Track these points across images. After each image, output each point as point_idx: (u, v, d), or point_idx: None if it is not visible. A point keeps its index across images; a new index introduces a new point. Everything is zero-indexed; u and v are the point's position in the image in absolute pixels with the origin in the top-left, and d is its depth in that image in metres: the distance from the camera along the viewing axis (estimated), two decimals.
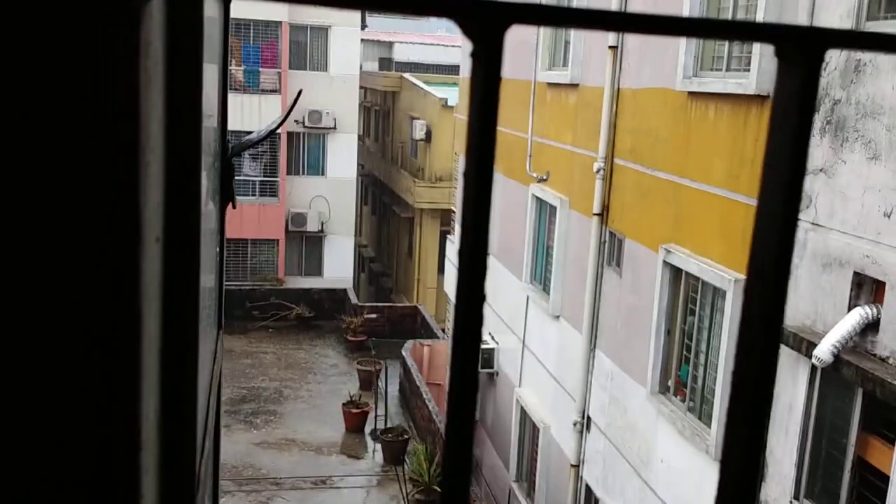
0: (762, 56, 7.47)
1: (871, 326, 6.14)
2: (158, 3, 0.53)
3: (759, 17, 7.52)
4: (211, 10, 1.24)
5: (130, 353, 0.47)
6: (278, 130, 26.02)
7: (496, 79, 0.49)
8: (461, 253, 0.50)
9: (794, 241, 0.54)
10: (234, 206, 1.63)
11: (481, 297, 0.50)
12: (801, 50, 0.51)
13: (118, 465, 0.49)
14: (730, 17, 8.28)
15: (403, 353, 19.81)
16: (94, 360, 0.46)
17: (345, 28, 27.09)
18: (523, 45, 13.71)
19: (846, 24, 6.50)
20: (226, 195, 1.52)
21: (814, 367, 6.61)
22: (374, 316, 23.72)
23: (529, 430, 13.46)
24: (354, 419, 18.12)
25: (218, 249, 1.54)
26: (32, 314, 0.45)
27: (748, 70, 7.80)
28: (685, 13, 8.75)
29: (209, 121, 1.36)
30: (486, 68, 0.47)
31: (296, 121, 26.67)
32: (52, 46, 0.42)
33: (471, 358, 0.51)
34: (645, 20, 0.47)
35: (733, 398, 0.56)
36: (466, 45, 0.48)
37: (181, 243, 0.64)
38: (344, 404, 18.33)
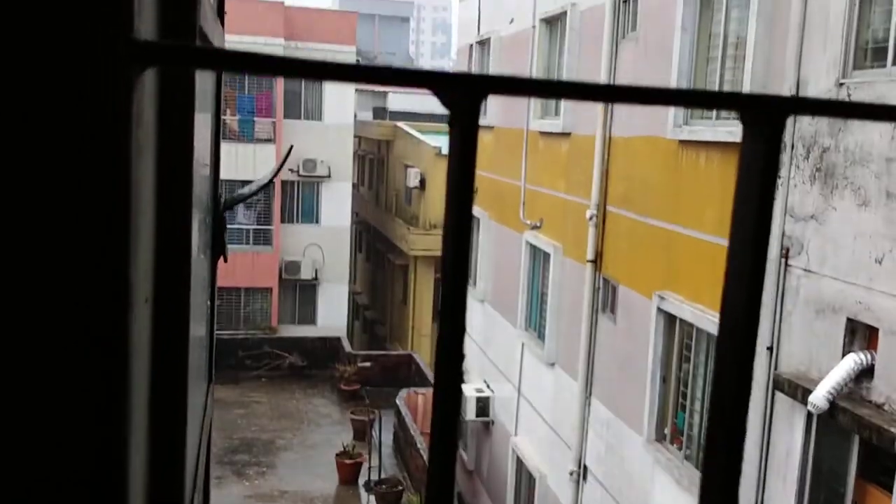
0: None
1: (866, 373, 6.14)
2: (151, 73, 0.55)
3: (748, 66, 7.65)
4: (203, 72, 1.27)
5: (118, 416, 0.48)
6: (272, 179, 26.15)
7: (472, 146, 0.51)
8: (442, 312, 0.51)
9: (761, 302, 0.56)
10: (225, 260, 1.64)
11: (460, 360, 0.52)
12: (764, 117, 0.53)
13: None
14: (718, 64, 8.42)
15: (398, 401, 19.66)
16: (82, 422, 0.47)
17: None
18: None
19: (833, 72, 6.61)
20: (217, 249, 1.53)
21: (810, 414, 6.59)
22: (367, 364, 23.58)
23: (526, 479, 13.31)
24: (348, 470, 17.90)
25: (209, 302, 1.56)
26: (20, 373, 0.47)
27: (738, 119, 7.90)
28: (674, 63, 8.90)
29: (202, 176, 1.38)
30: (461, 136, 0.50)
31: (290, 169, 26.81)
32: (45, 115, 0.44)
33: (452, 401, 0.52)
34: (613, 91, 0.49)
35: (708, 453, 0.57)
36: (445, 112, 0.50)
37: (171, 303, 0.65)
38: (337, 455, 18.12)
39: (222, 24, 1.55)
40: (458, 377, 0.53)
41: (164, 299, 0.65)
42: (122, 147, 0.44)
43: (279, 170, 2.82)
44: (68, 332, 0.45)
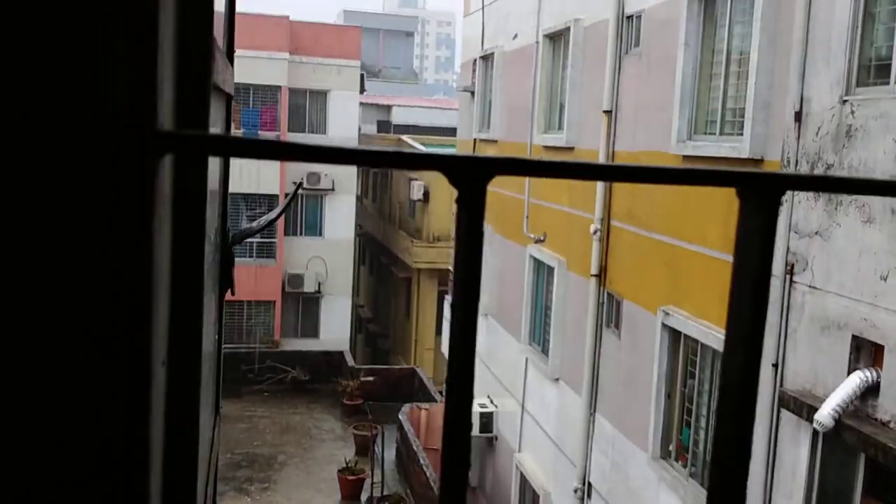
0: (755, 120, 7.60)
1: (872, 390, 6.13)
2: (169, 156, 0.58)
3: (751, 82, 7.67)
4: (214, 111, 1.30)
5: (139, 472, 0.50)
6: (276, 192, 26.23)
7: (479, 222, 0.53)
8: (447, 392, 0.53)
9: (759, 375, 0.57)
10: (233, 294, 1.67)
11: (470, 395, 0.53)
12: (761, 192, 0.55)
13: None
14: (721, 80, 8.45)
15: (400, 416, 19.61)
16: (100, 484, 0.48)
17: (343, 92, 27.51)
18: (520, 109, 13.93)
19: (836, 90, 6.63)
20: (225, 283, 1.55)
21: (815, 432, 6.57)
22: (370, 379, 23.55)
23: (529, 497, 13.27)
24: (350, 486, 17.84)
25: (216, 337, 1.57)
26: (39, 441, 0.48)
27: (741, 134, 7.93)
28: (677, 79, 8.92)
29: (211, 214, 1.41)
30: (469, 216, 0.51)
31: (294, 182, 26.83)
32: (78, 199, 0.46)
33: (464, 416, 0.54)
34: (614, 170, 0.50)
35: (714, 468, 0.59)
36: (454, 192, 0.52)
37: (184, 364, 0.67)
38: (339, 471, 18.07)
39: (232, 62, 1.58)
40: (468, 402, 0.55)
41: (177, 360, 0.67)
42: (145, 226, 0.46)
43: (287, 206, 2.86)
44: (92, 400, 0.47)
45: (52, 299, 0.46)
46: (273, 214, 2.79)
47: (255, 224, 2.62)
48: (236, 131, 26.47)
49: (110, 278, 0.47)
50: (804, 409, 6.56)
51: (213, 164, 1.40)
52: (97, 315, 0.47)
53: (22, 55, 0.44)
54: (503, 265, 14.84)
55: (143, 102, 0.46)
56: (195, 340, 0.73)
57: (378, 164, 0.51)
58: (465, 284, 0.53)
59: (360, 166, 0.51)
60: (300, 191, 27.14)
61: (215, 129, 1.39)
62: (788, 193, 7.15)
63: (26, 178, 0.45)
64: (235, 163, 25.56)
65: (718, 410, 0.60)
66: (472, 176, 0.50)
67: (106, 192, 0.45)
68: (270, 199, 26.42)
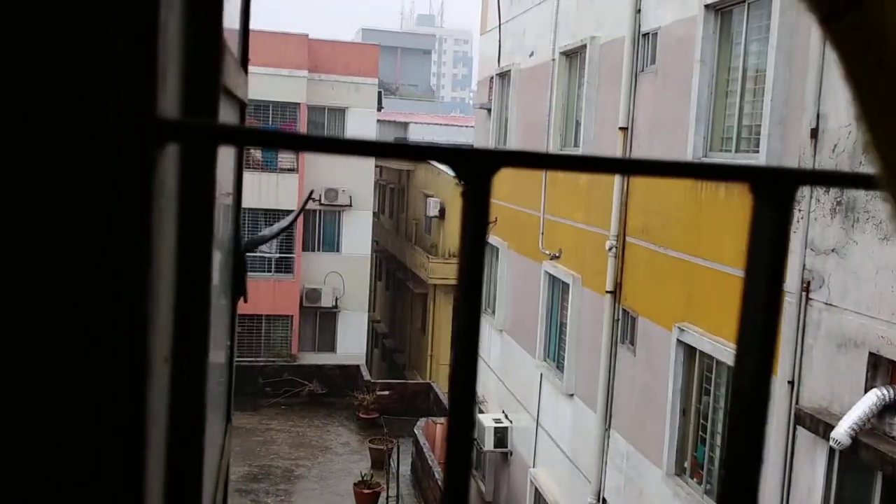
0: (771, 137, 7.57)
1: (889, 408, 6.05)
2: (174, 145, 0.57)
3: (767, 100, 7.64)
4: (227, 117, 1.30)
5: (135, 471, 0.49)
6: (293, 222, 26.32)
7: (485, 215, 0.52)
8: (451, 386, 0.52)
9: (771, 378, 0.56)
10: (245, 301, 1.67)
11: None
12: (774, 188, 0.54)
13: None
14: (737, 97, 8.42)
15: (416, 431, 19.57)
16: (97, 481, 0.48)
17: (361, 109, 27.65)
18: (536, 126, 13.94)
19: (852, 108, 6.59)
20: (238, 290, 1.55)
21: (831, 450, 6.50)
22: (386, 393, 23.53)
23: None
24: (366, 500, 17.80)
25: (229, 343, 1.57)
26: (35, 442, 0.48)
27: (757, 151, 7.90)
28: (693, 96, 8.91)
29: (223, 217, 1.41)
30: (475, 207, 0.51)
31: (312, 199, 27.00)
32: (73, 191, 0.46)
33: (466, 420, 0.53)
34: (621, 163, 0.50)
35: (725, 483, 0.57)
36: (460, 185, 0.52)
37: (190, 360, 0.67)
38: (355, 484, 18.04)
39: (246, 70, 1.59)
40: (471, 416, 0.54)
41: (182, 357, 0.66)
42: (144, 220, 0.46)
43: (299, 213, 2.87)
44: (86, 395, 0.47)
45: (46, 292, 0.45)
46: (286, 222, 2.81)
47: (267, 231, 2.63)
48: (255, 148, 26.60)
49: (107, 271, 0.46)
50: (820, 426, 6.49)
51: (226, 168, 1.40)
52: (93, 309, 0.46)
53: (14, 38, 0.44)
54: (518, 281, 14.81)
55: (142, 89, 0.46)
56: (201, 338, 0.73)
57: (381, 154, 0.50)
58: (468, 278, 0.52)
59: (362, 156, 0.50)
60: (318, 206, 27.26)
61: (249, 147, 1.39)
62: (805, 210, 7.11)
63: (19, 168, 0.44)
64: (255, 178, 25.75)
65: (730, 415, 0.59)
66: (477, 168, 0.50)
67: (103, 181, 0.45)
68: (288, 215, 26.52)
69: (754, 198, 0.54)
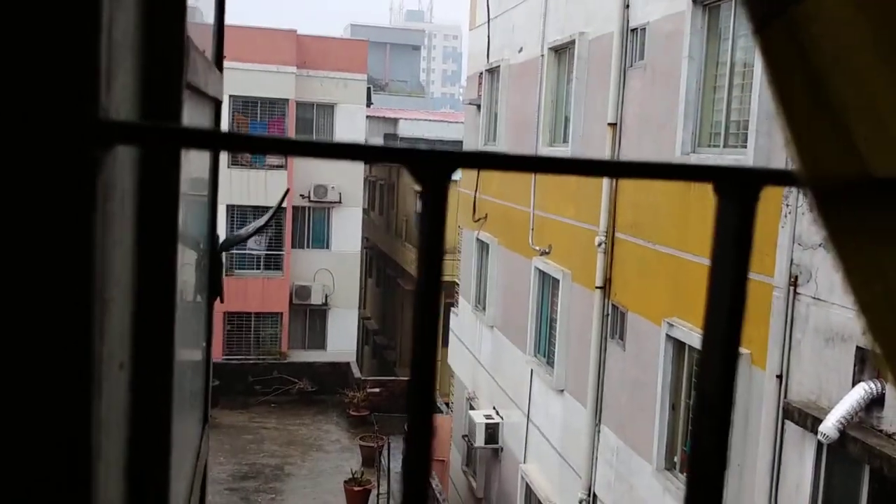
0: (759, 133, 7.58)
1: (877, 402, 6.08)
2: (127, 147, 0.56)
3: (755, 95, 7.66)
4: (201, 117, 1.28)
5: (82, 483, 0.48)
6: (284, 205, 26.27)
7: (442, 215, 0.51)
8: (409, 389, 0.51)
9: (737, 368, 0.55)
10: (221, 301, 1.65)
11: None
12: (739, 188, 0.53)
13: None
14: (725, 92, 8.43)
15: (406, 428, 19.51)
16: (42, 488, 0.47)
17: (350, 105, 27.59)
18: (525, 122, 13.94)
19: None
20: (214, 290, 1.54)
21: (819, 444, 6.52)
22: (377, 390, 23.52)
23: None
24: (357, 497, 17.80)
25: (204, 344, 1.56)
26: None
27: (745, 146, 7.91)
28: (681, 91, 8.92)
29: (197, 217, 1.39)
30: (432, 207, 0.50)
31: (301, 195, 26.96)
32: (8, 193, 0.44)
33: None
34: (582, 164, 0.49)
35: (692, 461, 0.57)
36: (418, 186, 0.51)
37: (151, 366, 0.65)
38: (346, 482, 18.03)
39: (220, 67, 1.57)
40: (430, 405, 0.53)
41: (143, 361, 0.65)
42: (85, 224, 0.44)
43: (275, 212, 2.85)
44: (27, 402, 0.45)
45: None
46: (261, 221, 2.79)
47: (243, 231, 2.62)
48: None
49: (47, 275, 0.45)
50: (808, 420, 6.51)
51: (200, 169, 1.38)
52: (33, 315, 0.45)
53: None
54: (509, 277, 14.82)
55: (82, 89, 0.45)
56: (165, 343, 0.71)
57: (339, 156, 0.49)
58: (427, 278, 0.51)
59: (319, 158, 0.49)
60: (307, 203, 27.20)
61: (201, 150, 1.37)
62: (793, 205, 7.12)
63: None
64: (244, 175, 25.69)
65: (695, 417, 0.58)
66: (434, 169, 0.49)
67: (41, 184, 0.44)
68: (278, 212, 26.43)
69: (719, 198, 0.53)
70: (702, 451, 0.56)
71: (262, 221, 2.68)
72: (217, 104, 1.59)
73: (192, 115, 1.06)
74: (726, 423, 0.53)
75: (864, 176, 0.49)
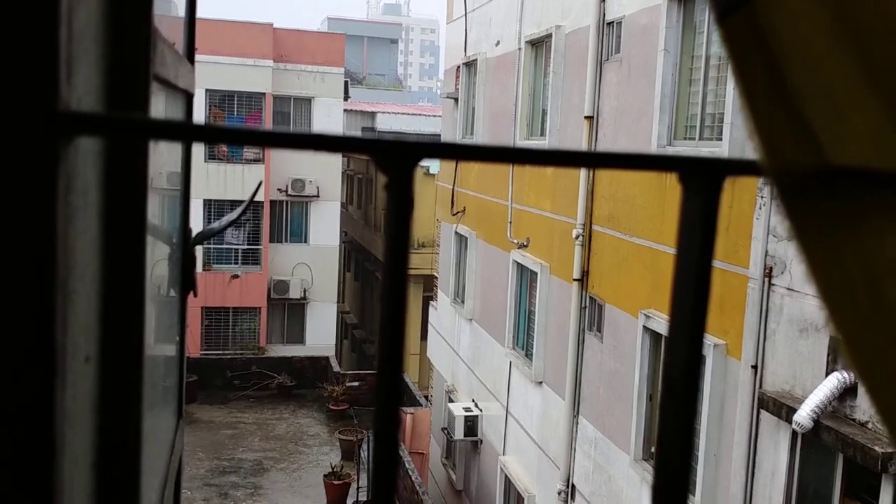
0: (733, 125, 7.64)
1: (850, 391, 6.16)
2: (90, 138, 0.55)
3: (730, 87, 7.71)
4: (172, 110, 1.27)
5: (46, 475, 0.47)
6: (261, 199, 26.14)
7: (408, 206, 0.51)
8: (378, 373, 0.51)
9: (702, 351, 0.56)
10: (195, 295, 1.64)
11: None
12: (703, 178, 0.53)
13: None
14: (701, 85, 8.49)
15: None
16: (4, 483, 0.46)
17: (328, 99, 27.49)
18: (503, 115, 13.95)
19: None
20: (187, 284, 1.53)
21: (794, 433, 6.60)
22: (356, 384, 23.50)
23: (514, 499, 13.25)
24: (336, 491, 17.79)
25: (178, 338, 1.55)
26: None
27: (720, 139, 7.97)
28: (657, 84, 8.96)
29: (169, 211, 1.38)
30: (397, 198, 0.50)
31: (279, 189, 26.85)
32: None
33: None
34: (549, 154, 0.49)
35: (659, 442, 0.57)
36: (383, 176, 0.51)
37: (119, 359, 0.65)
38: (325, 476, 18.01)
39: (192, 60, 1.56)
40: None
41: (112, 355, 0.64)
42: (47, 218, 0.44)
43: (248, 206, 2.83)
44: None
45: None
46: (234, 215, 2.78)
47: (216, 224, 2.60)
48: None
49: (5, 265, 0.44)
50: (783, 410, 6.58)
51: (172, 162, 1.37)
52: None
53: None
54: (487, 270, 14.84)
55: (39, 80, 0.44)
56: (135, 335, 0.71)
57: (303, 147, 0.49)
58: (392, 270, 0.51)
59: (283, 149, 0.49)
60: (285, 197, 27.09)
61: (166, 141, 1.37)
62: (767, 197, 7.19)
63: None
64: (221, 169, 25.53)
65: (661, 404, 0.58)
66: (398, 160, 0.49)
67: None
68: (255, 206, 26.32)
69: (683, 188, 0.53)
70: (668, 433, 0.57)
71: (235, 214, 2.67)
72: (189, 97, 1.58)
73: (162, 108, 1.05)
74: (692, 406, 0.54)
75: (823, 165, 0.50)
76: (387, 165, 0.49)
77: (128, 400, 0.69)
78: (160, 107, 1.02)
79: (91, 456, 0.61)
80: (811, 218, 0.51)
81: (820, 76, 0.46)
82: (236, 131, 0.46)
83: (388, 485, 0.51)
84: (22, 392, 0.45)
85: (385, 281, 0.52)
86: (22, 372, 0.45)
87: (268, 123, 26.58)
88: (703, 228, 0.53)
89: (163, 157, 1.23)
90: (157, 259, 1.16)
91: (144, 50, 0.73)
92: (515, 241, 13.11)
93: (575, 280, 10.93)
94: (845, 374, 6.16)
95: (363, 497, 17.45)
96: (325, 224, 27.88)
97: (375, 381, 0.51)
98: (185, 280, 1.50)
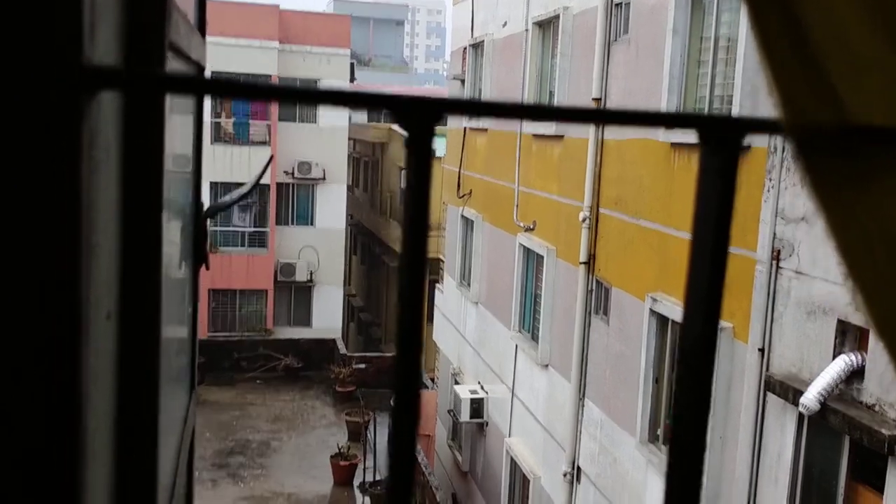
0: (742, 107, 7.60)
1: (857, 374, 6.16)
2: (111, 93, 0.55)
3: (739, 68, 7.67)
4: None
5: (71, 428, 0.48)
6: (268, 182, 26.14)
7: (428, 163, 0.51)
8: (398, 329, 0.52)
9: (719, 321, 0.56)
10: (206, 268, 1.65)
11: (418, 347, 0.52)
12: (722, 137, 0.53)
13: None
14: (710, 67, 8.44)
15: (392, 403, 19.63)
16: (30, 448, 0.47)
17: (334, 81, 27.41)
18: (510, 97, 13.89)
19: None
20: (199, 256, 1.53)
21: (801, 416, 6.60)
22: (362, 366, 23.59)
23: (519, 480, 13.32)
24: (343, 472, 17.90)
25: (191, 309, 1.56)
26: None
27: None
28: (665, 65, 8.92)
29: (182, 184, 1.39)
30: (417, 155, 0.50)
31: (285, 172, 26.84)
32: None
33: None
34: (568, 112, 0.49)
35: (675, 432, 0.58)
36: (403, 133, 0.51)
37: (138, 317, 0.65)
38: (332, 456, 18.12)
39: (203, 33, 1.55)
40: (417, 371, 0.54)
41: (131, 314, 0.65)
42: (72, 170, 0.44)
43: (259, 179, 2.84)
44: (13, 354, 0.45)
45: None
46: (246, 188, 2.79)
47: (228, 198, 2.61)
48: (227, 120, 26.38)
49: (33, 217, 0.45)
50: (790, 392, 6.59)
51: (186, 133, 1.37)
52: (20, 257, 0.45)
53: None
54: (493, 254, 14.84)
55: (65, 31, 0.44)
56: (152, 293, 0.71)
57: (321, 102, 0.49)
58: (413, 232, 0.51)
59: (302, 104, 0.49)
60: (291, 179, 27.08)
61: (184, 97, 1.37)
62: (776, 179, 7.16)
63: None
64: (227, 151, 25.51)
65: (678, 375, 0.58)
66: (419, 116, 0.49)
67: (25, 127, 0.43)
68: (261, 189, 26.34)
69: (703, 146, 0.53)
70: (685, 403, 0.57)
71: (246, 188, 2.68)
72: (200, 69, 1.58)
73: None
74: (710, 364, 0.54)
75: (842, 123, 0.50)
76: (407, 122, 0.49)
77: (147, 358, 0.69)
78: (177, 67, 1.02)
79: (112, 413, 0.62)
80: (828, 174, 0.51)
81: (840, 34, 0.46)
82: (252, 86, 0.47)
83: (408, 468, 0.51)
84: (48, 344, 0.45)
85: (406, 239, 0.52)
86: (49, 324, 0.46)
87: (273, 105, 26.53)
88: (722, 188, 0.53)
89: (175, 136, 1.23)
90: (170, 229, 1.16)
91: (160, 17, 0.73)
92: (522, 224, 13.10)
93: (581, 263, 10.92)
94: (852, 357, 6.15)
95: (369, 477, 17.55)
96: (332, 207, 27.87)
97: (396, 331, 0.51)
98: (197, 253, 1.51)
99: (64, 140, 0.44)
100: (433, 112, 0.49)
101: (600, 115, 0.53)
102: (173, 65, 0.96)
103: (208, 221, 1.79)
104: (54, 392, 0.46)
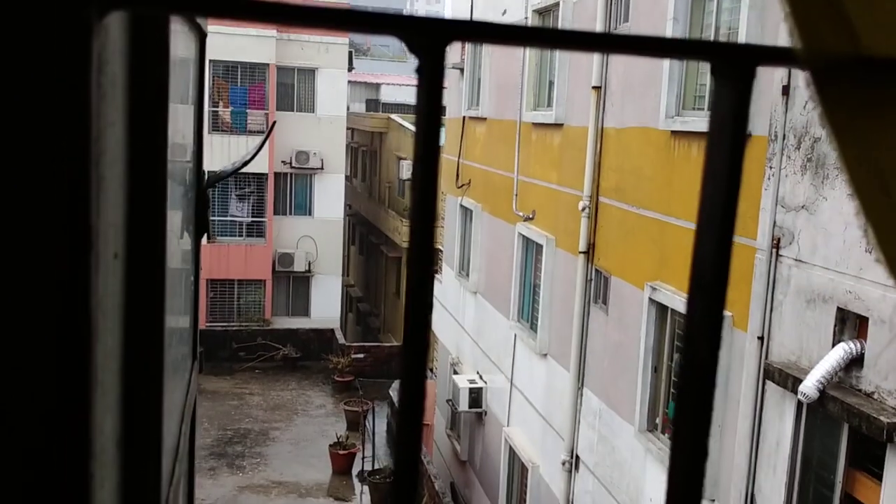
0: None
1: (856, 362, 6.16)
2: (119, 23, 0.55)
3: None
4: (186, 49, 1.27)
5: (81, 368, 0.48)
6: (266, 171, 26.10)
7: (438, 90, 0.50)
8: (409, 259, 0.51)
9: (730, 256, 0.55)
10: (209, 239, 1.64)
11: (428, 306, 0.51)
12: (735, 66, 0.53)
13: (69, 477, 0.50)
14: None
15: (391, 393, 19.68)
16: (41, 375, 0.46)
17: (332, 70, 27.34)
18: (509, 86, 13.87)
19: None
20: (201, 226, 1.53)
21: (800, 404, 6.61)
22: (361, 356, 23.61)
23: (518, 469, 13.34)
24: (342, 461, 17.93)
25: (193, 279, 1.55)
26: None
27: None
28: (664, 80, 8.88)
29: (184, 152, 1.38)
30: (428, 81, 0.49)
31: (283, 161, 26.79)
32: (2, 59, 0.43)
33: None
34: (577, 36, 0.48)
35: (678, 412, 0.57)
36: (414, 62, 0.50)
37: (145, 259, 0.65)
38: (331, 445, 18.15)
39: None
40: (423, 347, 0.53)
41: (136, 255, 0.64)
42: (82, 91, 0.44)
43: (261, 146, 2.83)
44: (25, 285, 0.45)
45: None
46: (248, 156, 2.77)
47: (230, 166, 2.60)
48: (225, 109, 26.30)
49: (43, 139, 0.44)
50: (789, 380, 6.60)
51: (186, 117, 1.37)
52: (30, 188, 0.44)
53: None
54: (492, 243, 14.83)
55: None
56: (157, 234, 0.70)
57: (326, 24, 0.48)
58: (424, 163, 0.50)
59: (307, 27, 0.48)
60: (289, 169, 27.04)
61: (188, 62, 1.36)
62: (776, 167, 7.15)
63: None
64: (225, 140, 25.44)
65: (688, 300, 0.58)
66: (430, 39, 0.48)
67: (33, 47, 0.43)
68: (259, 178, 26.31)
69: (715, 75, 0.53)
70: (690, 376, 0.56)
71: (248, 156, 2.67)
72: (202, 36, 1.57)
73: (183, 44, 1.04)
74: (721, 299, 0.53)
75: (857, 52, 0.49)
76: (418, 45, 0.48)
77: (153, 300, 0.69)
78: (176, 40, 1.01)
79: (119, 351, 0.61)
80: (843, 105, 0.51)
81: None
82: (258, 4, 0.46)
83: (412, 464, 0.50)
84: (59, 274, 0.45)
85: (415, 173, 0.51)
86: (59, 251, 0.45)
87: (271, 95, 26.47)
88: (734, 119, 0.53)
89: (178, 117, 1.23)
90: (173, 199, 1.16)
91: None
92: (521, 213, 13.09)
93: (581, 252, 10.92)
94: (851, 345, 6.16)
95: (368, 466, 17.58)
96: (330, 197, 27.84)
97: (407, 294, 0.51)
98: (200, 222, 1.51)
99: (74, 59, 0.43)
100: (445, 34, 0.48)
101: (612, 42, 0.52)
102: (176, 28, 0.95)
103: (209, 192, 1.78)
104: (67, 321, 0.45)
